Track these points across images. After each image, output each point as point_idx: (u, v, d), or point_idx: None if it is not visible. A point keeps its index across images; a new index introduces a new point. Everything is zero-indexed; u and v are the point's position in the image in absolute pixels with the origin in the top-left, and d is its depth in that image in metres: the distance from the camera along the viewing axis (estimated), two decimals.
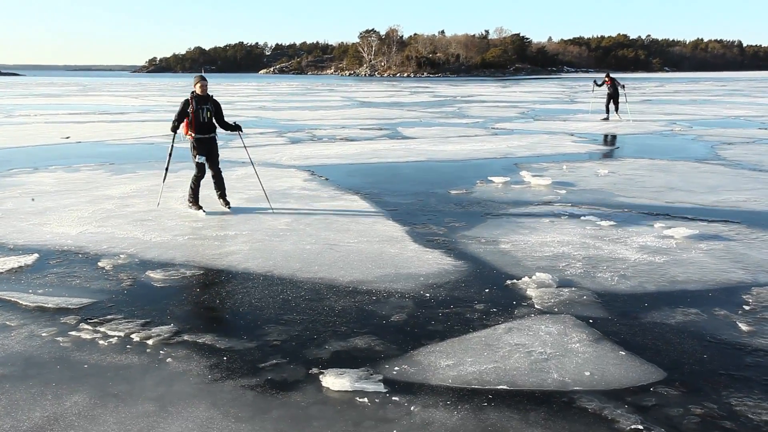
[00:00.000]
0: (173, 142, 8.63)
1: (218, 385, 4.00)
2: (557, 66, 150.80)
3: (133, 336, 4.70)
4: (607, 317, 5.11)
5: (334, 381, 3.99)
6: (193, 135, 8.27)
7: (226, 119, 8.60)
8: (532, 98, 41.00)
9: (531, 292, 5.62)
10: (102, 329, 4.83)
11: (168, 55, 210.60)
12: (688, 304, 5.35)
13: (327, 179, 11.50)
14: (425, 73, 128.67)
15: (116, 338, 4.68)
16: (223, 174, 8.77)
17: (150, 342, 4.62)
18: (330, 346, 4.54)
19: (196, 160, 8.35)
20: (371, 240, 7.31)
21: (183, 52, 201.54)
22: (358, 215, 8.60)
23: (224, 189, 8.76)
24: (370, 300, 5.48)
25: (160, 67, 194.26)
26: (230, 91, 54.57)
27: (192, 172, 8.65)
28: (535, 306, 5.32)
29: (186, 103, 8.20)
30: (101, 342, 4.62)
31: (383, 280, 5.98)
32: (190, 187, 8.59)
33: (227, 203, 8.73)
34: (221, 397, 3.85)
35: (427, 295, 5.58)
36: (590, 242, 7.19)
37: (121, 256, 6.74)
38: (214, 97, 8.52)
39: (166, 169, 8.78)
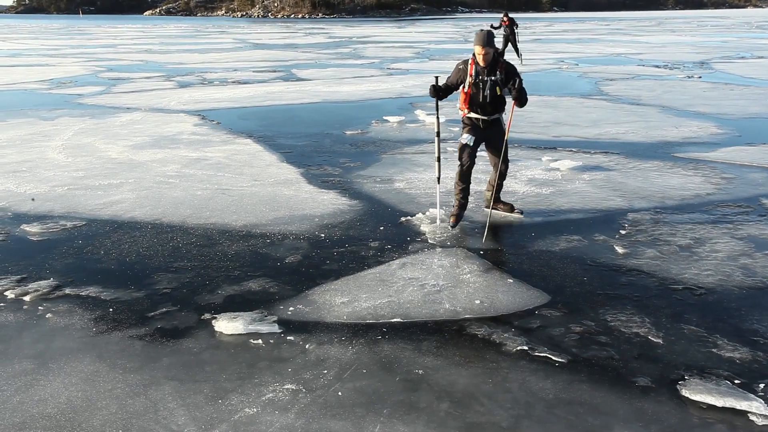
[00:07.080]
0: (437, 114, 5.93)
1: (104, 338, 3.83)
2: (452, 6, 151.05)
3: (7, 293, 4.40)
4: (497, 248, 5.29)
5: (227, 325, 3.92)
6: (466, 112, 5.75)
7: (520, 85, 5.44)
8: (427, 38, 41.01)
9: (425, 227, 5.72)
10: None
11: None
12: (571, 231, 5.63)
13: (219, 123, 11.08)
14: (320, 14, 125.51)
15: None
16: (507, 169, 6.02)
17: (27, 298, 4.34)
18: (223, 291, 4.45)
19: (461, 140, 5.76)
20: (265, 183, 7.15)
21: None
22: (251, 159, 8.37)
23: (500, 187, 6.12)
24: (264, 243, 5.38)
25: (31, 7, 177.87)
26: (112, 34, 51.07)
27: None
28: (429, 241, 5.42)
29: (460, 70, 5.63)
30: None
31: (277, 222, 5.88)
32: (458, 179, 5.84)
33: (508, 206, 6.08)
34: (107, 349, 3.70)
35: (322, 235, 5.56)
36: (482, 177, 7.34)
37: None
38: (506, 62, 5.65)
39: (438, 159, 5.94)
